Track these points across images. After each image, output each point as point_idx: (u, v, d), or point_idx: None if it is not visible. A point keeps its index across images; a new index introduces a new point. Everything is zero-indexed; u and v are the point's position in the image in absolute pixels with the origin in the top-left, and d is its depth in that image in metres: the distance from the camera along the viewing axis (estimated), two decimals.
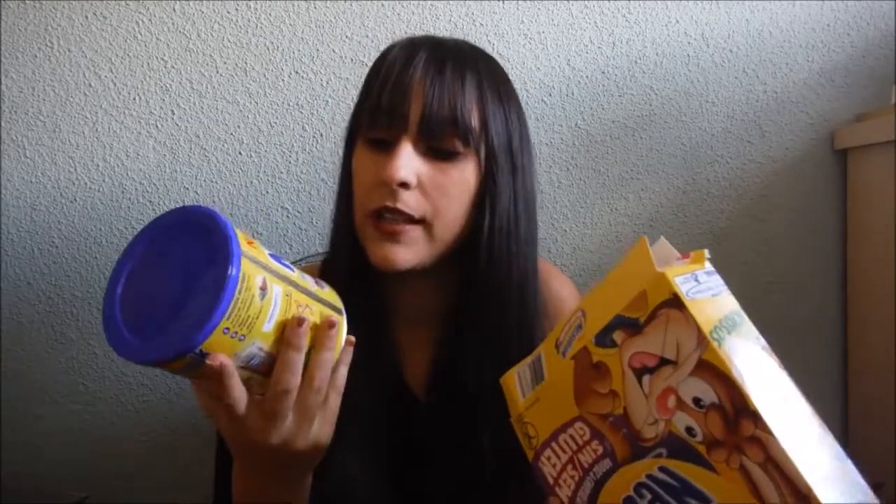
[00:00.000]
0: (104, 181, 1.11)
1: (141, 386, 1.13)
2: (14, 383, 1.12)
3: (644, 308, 0.46)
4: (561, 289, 0.82)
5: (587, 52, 1.11)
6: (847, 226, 1.13)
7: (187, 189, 1.11)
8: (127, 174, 1.11)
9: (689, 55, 1.12)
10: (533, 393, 0.53)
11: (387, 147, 0.67)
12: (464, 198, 0.69)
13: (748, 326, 0.47)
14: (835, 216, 1.14)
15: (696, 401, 0.44)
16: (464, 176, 0.68)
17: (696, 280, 0.47)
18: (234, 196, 1.11)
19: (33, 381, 1.12)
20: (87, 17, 1.09)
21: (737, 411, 0.42)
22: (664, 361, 0.45)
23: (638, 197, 1.13)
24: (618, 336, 0.47)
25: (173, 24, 1.09)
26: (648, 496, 0.46)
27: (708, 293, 0.46)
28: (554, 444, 0.52)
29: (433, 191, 0.67)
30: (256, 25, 1.10)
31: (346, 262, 0.72)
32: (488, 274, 0.70)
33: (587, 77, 1.12)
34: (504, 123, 0.70)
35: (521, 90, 1.11)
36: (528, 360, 0.55)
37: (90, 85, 1.10)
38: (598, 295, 0.51)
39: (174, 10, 1.09)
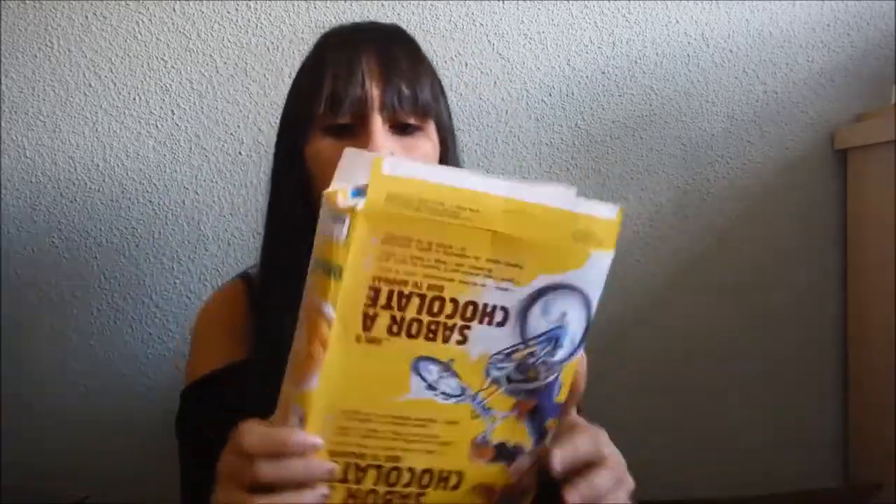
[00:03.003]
0: (104, 181, 1.11)
1: (141, 386, 1.13)
2: (14, 383, 1.11)
3: None
4: None
5: (587, 52, 1.11)
6: (847, 226, 1.13)
7: (187, 189, 1.11)
8: (127, 174, 1.11)
9: (689, 55, 1.12)
10: None
11: (351, 131, 0.67)
12: None
13: None
14: (835, 216, 1.14)
15: None
16: (427, 150, 0.70)
17: None
18: (234, 196, 1.11)
19: (33, 381, 1.12)
20: (87, 17, 1.09)
21: None
22: None
23: (638, 197, 1.13)
24: None
25: (173, 24, 1.09)
26: None
27: None
28: None
29: None
30: (256, 25, 1.10)
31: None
32: None
33: (587, 77, 1.12)
34: (444, 97, 0.73)
35: (521, 90, 1.11)
36: None
37: (90, 85, 1.10)
38: None
39: (174, 10, 1.09)
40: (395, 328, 0.46)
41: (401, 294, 0.45)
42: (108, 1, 1.09)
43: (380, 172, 0.43)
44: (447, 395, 0.48)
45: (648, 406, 1.15)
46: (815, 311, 1.15)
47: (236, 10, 1.10)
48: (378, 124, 0.66)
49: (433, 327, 0.46)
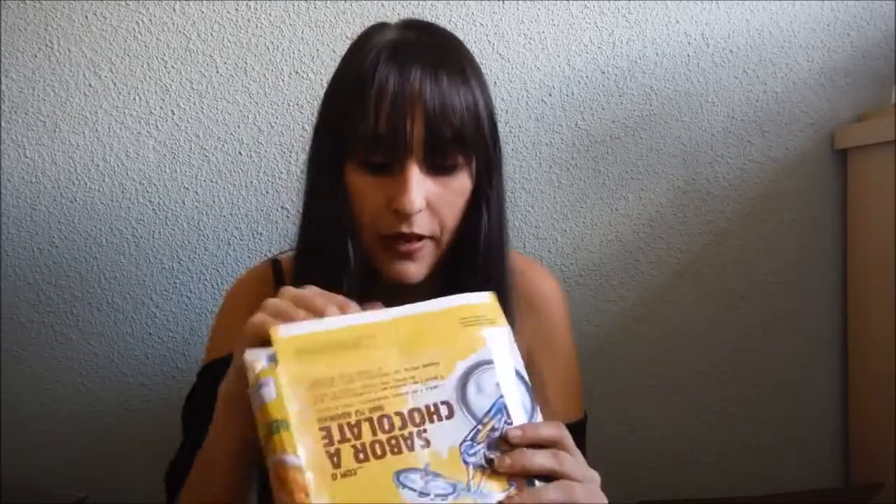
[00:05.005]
0: (104, 181, 1.11)
1: (141, 386, 1.13)
2: (14, 383, 1.12)
3: None
4: (541, 282, 0.83)
5: (587, 52, 1.11)
6: (847, 226, 1.13)
7: (187, 189, 1.11)
8: (127, 174, 1.11)
9: (689, 55, 1.12)
10: None
11: (387, 169, 0.67)
12: (463, 204, 0.70)
13: None
14: (835, 216, 1.14)
15: None
16: (463, 184, 0.69)
17: None
18: (234, 196, 1.11)
19: (33, 381, 1.12)
20: (87, 17, 1.09)
21: None
22: None
23: (638, 197, 1.13)
24: None
25: (173, 24, 1.09)
26: None
27: None
28: None
29: (440, 207, 0.68)
30: (256, 25, 1.10)
31: (358, 275, 0.71)
32: (485, 269, 0.72)
33: (587, 77, 1.12)
34: (488, 115, 0.70)
35: (521, 90, 1.11)
36: None
37: (90, 85, 1.10)
38: None
39: (174, 10, 1.09)
40: (361, 455, 0.49)
41: (350, 425, 0.50)
42: (108, 1, 1.09)
43: (279, 338, 0.51)
44: (443, 496, 0.50)
45: (648, 406, 1.15)
46: (815, 311, 1.15)
47: (236, 10, 1.10)
48: (414, 171, 0.65)
49: (394, 442, 0.50)
